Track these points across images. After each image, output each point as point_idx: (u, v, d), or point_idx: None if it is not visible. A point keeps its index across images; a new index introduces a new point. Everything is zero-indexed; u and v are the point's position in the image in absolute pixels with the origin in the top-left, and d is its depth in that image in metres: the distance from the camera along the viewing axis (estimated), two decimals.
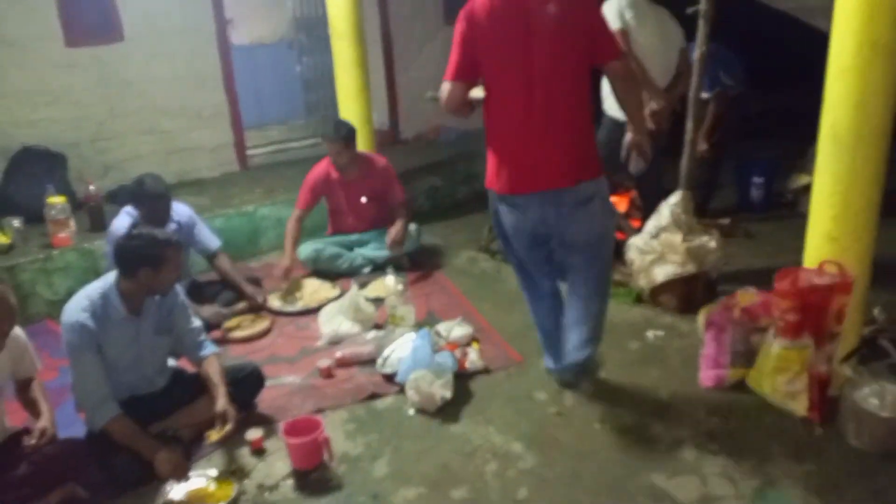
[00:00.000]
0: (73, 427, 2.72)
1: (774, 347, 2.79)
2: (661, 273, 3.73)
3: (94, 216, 4.40)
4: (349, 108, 4.92)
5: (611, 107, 3.89)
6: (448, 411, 2.96)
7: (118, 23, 5.08)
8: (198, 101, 5.55)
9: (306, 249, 4.48)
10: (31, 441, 2.45)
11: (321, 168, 4.51)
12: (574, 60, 2.61)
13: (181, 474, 2.55)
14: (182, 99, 5.47)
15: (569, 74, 2.62)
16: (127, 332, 2.68)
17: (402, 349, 3.24)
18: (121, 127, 5.22)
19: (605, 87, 3.89)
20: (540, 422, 2.90)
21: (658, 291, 3.81)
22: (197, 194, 5.16)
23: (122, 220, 3.61)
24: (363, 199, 4.52)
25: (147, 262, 2.59)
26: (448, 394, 2.98)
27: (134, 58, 5.20)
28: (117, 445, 2.56)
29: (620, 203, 5.13)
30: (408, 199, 4.69)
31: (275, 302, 4.07)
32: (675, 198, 3.74)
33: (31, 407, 2.60)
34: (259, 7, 8.47)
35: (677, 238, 3.70)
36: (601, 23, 2.65)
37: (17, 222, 4.21)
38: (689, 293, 3.76)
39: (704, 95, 4.48)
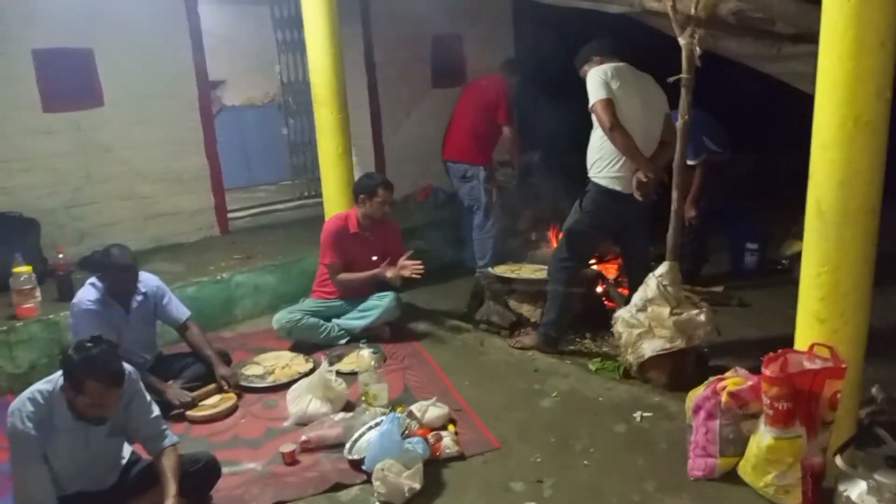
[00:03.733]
0: None
1: (765, 438, 2.60)
2: (649, 348, 3.57)
3: (62, 286, 4.24)
4: (330, 172, 4.82)
5: (596, 174, 3.80)
6: None
7: (98, 88, 5.03)
8: (178, 165, 5.46)
9: (282, 318, 4.31)
10: None
11: (338, 221, 4.46)
12: (485, 112, 5.36)
13: None
14: (162, 163, 5.38)
15: (483, 118, 5.37)
16: (76, 440, 2.47)
17: (372, 433, 3.05)
18: (98, 193, 5.12)
19: (591, 154, 3.83)
20: None
21: (646, 367, 3.64)
22: (172, 260, 5.02)
23: (87, 293, 3.48)
24: (374, 258, 4.41)
25: (69, 379, 2.37)
26: (417, 485, 2.78)
27: (113, 123, 5.12)
28: None
29: (609, 270, 5.00)
30: None
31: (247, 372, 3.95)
32: (661, 269, 3.60)
33: None
34: (251, 69, 8.57)
35: (665, 311, 3.54)
36: (502, 101, 5.31)
37: None
38: (679, 369, 3.59)
39: (690, 162, 4.39)
